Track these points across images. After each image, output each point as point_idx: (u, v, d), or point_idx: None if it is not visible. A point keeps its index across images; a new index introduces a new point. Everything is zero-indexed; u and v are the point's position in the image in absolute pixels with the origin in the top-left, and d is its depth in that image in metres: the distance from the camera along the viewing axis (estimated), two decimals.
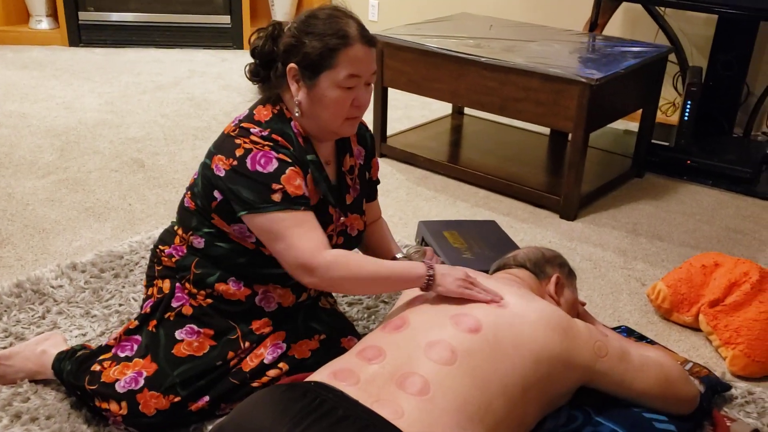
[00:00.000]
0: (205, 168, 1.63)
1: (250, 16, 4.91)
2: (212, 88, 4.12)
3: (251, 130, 1.60)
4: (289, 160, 1.57)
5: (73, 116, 3.64)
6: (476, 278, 1.53)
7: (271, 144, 1.57)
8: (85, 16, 4.83)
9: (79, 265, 2.24)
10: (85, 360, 1.68)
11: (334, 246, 1.70)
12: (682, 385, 1.58)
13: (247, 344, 1.69)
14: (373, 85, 1.65)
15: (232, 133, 1.61)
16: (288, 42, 1.59)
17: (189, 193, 1.71)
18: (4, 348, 1.87)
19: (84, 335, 1.95)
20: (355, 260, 1.53)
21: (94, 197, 2.80)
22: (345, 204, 1.73)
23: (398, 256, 1.85)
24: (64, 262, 2.25)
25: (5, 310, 2.02)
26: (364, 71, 1.58)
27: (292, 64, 1.58)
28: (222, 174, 1.58)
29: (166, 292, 1.71)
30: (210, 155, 1.63)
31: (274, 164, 1.55)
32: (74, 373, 1.66)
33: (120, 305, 2.08)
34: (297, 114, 1.63)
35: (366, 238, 1.90)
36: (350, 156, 1.76)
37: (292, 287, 1.71)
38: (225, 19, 4.92)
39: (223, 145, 1.61)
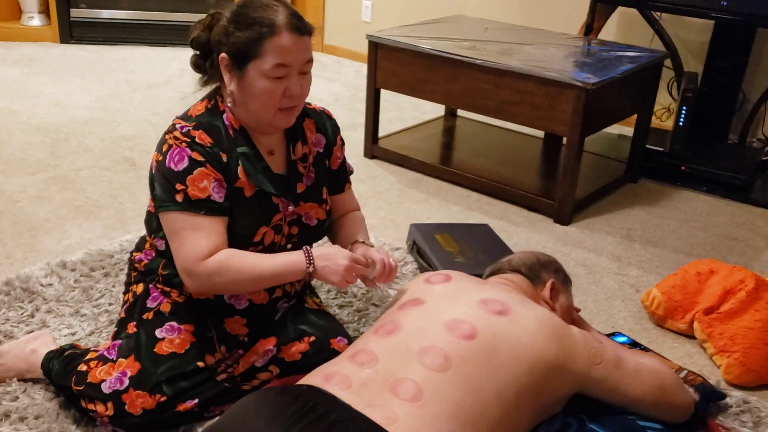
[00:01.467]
0: (150, 167, 1.65)
1: None
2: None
3: (176, 125, 1.61)
4: (201, 159, 1.56)
5: (63, 113, 3.61)
6: (360, 259, 1.59)
7: (188, 141, 1.57)
8: (76, 13, 4.79)
9: (69, 264, 2.21)
10: (72, 360, 1.66)
11: (288, 236, 1.70)
12: (677, 392, 1.57)
13: (223, 348, 1.67)
14: (310, 74, 1.60)
15: (167, 129, 1.63)
16: (218, 32, 1.57)
17: (151, 194, 1.70)
18: None
19: (73, 334, 1.92)
20: (236, 264, 1.53)
21: (84, 195, 2.77)
22: (295, 192, 1.70)
23: (359, 239, 1.78)
24: (53, 261, 2.22)
25: None
26: (293, 61, 1.53)
27: (223, 54, 1.57)
28: (153, 170, 1.61)
29: (140, 294, 1.71)
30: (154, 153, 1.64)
31: (185, 163, 1.55)
32: (61, 373, 1.64)
33: (110, 304, 2.05)
34: (230, 105, 1.62)
35: (335, 229, 1.87)
36: (303, 144, 1.73)
37: None
38: None
39: (159, 141, 1.63)
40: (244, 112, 1.61)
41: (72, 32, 4.84)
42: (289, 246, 1.72)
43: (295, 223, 1.71)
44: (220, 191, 1.57)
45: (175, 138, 1.58)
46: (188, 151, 1.56)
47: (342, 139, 1.83)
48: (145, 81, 4.17)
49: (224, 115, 1.63)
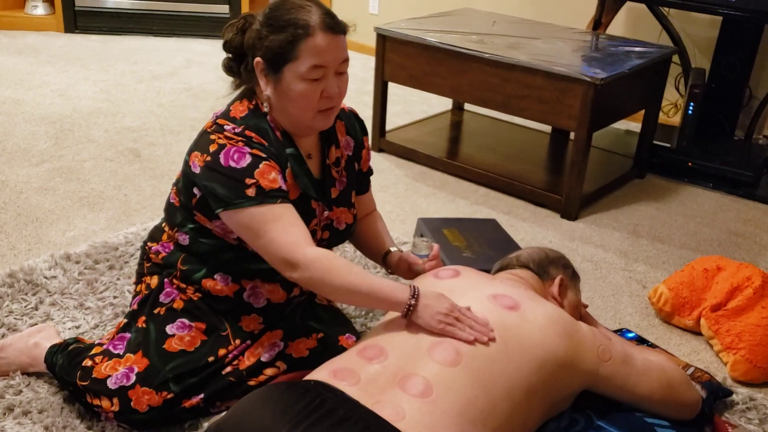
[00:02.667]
0: (185, 164, 1.61)
1: (249, 6, 4.86)
2: (210, 79, 4.07)
3: (225, 126, 1.57)
4: (263, 155, 1.53)
5: (67, 104, 3.59)
6: (465, 311, 1.42)
7: (244, 140, 1.54)
8: (81, 2, 4.77)
9: (73, 256, 2.20)
10: (76, 355, 1.65)
11: (319, 240, 1.68)
12: (685, 389, 1.56)
13: (237, 341, 1.66)
14: (347, 73, 1.58)
15: (208, 129, 1.59)
16: (252, 36, 1.55)
17: (174, 188, 1.68)
18: None
19: (77, 327, 1.92)
20: (337, 265, 1.46)
21: (88, 187, 2.76)
22: (330, 197, 1.69)
23: (392, 249, 1.80)
24: (57, 253, 2.22)
25: None
26: (330, 61, 1.51)
27: (258, 59, 1.54)
28: (197, 171, 1.54)
29: (154, 287, 1.69)
30: (189, 152, 1.60)
31: (247, 159, 1.51)
32: (66, 368, 1.63)
33: (114, 297, 2.04)
34: (266, 109, 1.59)
35: (359, 231, 1.86)
36: (336, 148, 1.71)
37: (281, 283, 1.67)
38: (223, 9, 4.87)
39: (200, 141, 1.58)
40: (283, 116, 1.59)
41: (76, 22, 4.82)
42: None
43: (327, 227, 1.70)
44: (284, 183, 1.55)
45: (227, 138, 1.54)
46: (247, 148, 1.52)
47: (368, 140, 1.81)
48: (149, 72, 4.16)
49: (268, 117, 1.60)
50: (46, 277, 2.10)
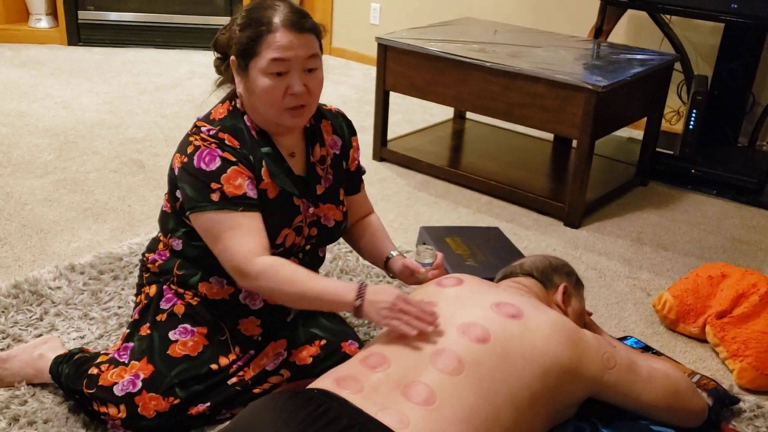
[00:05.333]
0: (170, 168, 1.64)
1: None
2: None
3: (202, 128, 1.60)
4: (233, 159, 1.55)
5: (71, 116, 3.61)
6: (412, 300, 1.43)
7: (217, 142, 1.56)
8: (84, 15, 4.80)
9: (78, 267, 2.20)
10: (82, 363, 1.65)
11: (307, 237, 1.69)
12: (691, 397, 1.56)
13: (237, 349, 1.66)
14: (319, 72, 1.58)
15: (189, 132, 1.62)
16: (228, 34, 1.58)
17: (166, 195, 1.70)
18: (2, 349, 1.84)
19: (82, 338, 1.92)
20: (285, 274, 1.49)
21: (92, 198, 2.76)
22: (315, 194, 1.70)
23: (393, 254, 1.80)
24: (62, 263, 2.22)
25: (3, 311, 1.98)
26: (290, 56, 1.52)
27: (232, 57, 1.58)
28: (177, 172, 1.59)
29: (153, 296, 1.70)
30: (174, 155, 1.63)
31: (217, 162, 1.54)
32: (72, 377, 1.63)
33: (119, 308, 2.04)
34: (239, 107, 1.62)
35: (357, 235, 1.87)
36: (321, 146, 1.73)
37: None
38: (225, 21, 4.83)
39: (181, 143, 1.62)
40: (255, 114, 1.61)
41: (80, 34, 4.85)
42: (307, 247, 1.71)
43: (315, 224, 1.70)
44: (253, 189, 1.57)
45: (203, 140, 1.57)
46: (219, 151, 1.55)
47: (357, 141, 1.82)
48: (152, 83, 4.17)
49: (245, 117, 1.62)
50: (50, 288, 2.10)
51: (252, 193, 1.56)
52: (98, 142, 3.30)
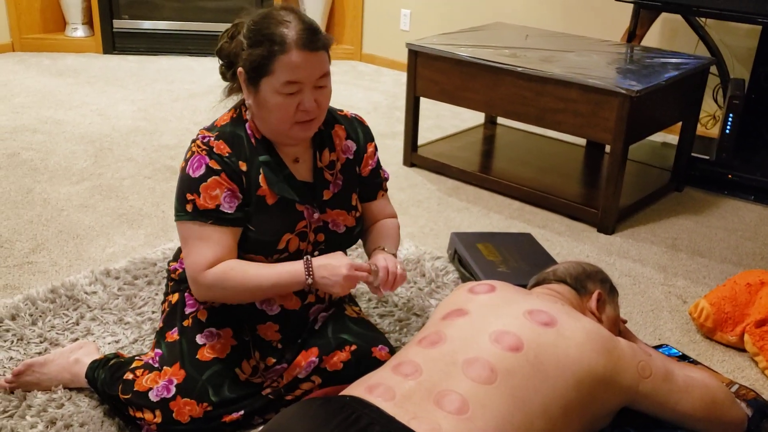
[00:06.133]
0: None
1: None
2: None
3: (200, 135, 1.63)
4: (217, 168, 1.57)
5: (106, 123, 3.67)
6: (361, 266, 1.57)
7: (207, 149, 1.59)
8: (119, 24, 4.89)
9: (113, 272, 2.23)
10: (118, 368, 1.67)
11: (314, 243, 1.69)
12: (729, 407, 1.52)
13: (257, 354, 1.68)
14: (328, 86, 1.59)
15: (193, 138, 1.65)
16: (236, 45, 1.58)
17: None
18: (39, 353, 1.87)
19: (117, 342, 1.94)
20: (234, 277, 1.54)
21: (127, 204, 2.80)
22: (321, 200, 1.70)
23: (381, 247, 1.74)
24: (97, 269, 2.25)
25: (40, 316, 2.02)
26: (305, 77, 1.52)
27: (240, 69, 1.57)
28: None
29: (175, 302, 1.73)
30: None
31: (202, 170, 1.57)
32: (108, 382, 1.65)
33: (153, 312, 2.07)
34: (248, 117, 1.64)
35: (366, 237, 1.85)
36: (331, 151, 1.72)
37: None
38: None
39: (187, 149, 1.65)
40: (263, 125, 1.62)
41: (115, 43, 4.94)
42: (316, 252, 1.71)
43: (321, 230, 1.70)
44: (231, 201, 1.58)
45: (197, 146, 1.60)
46: (207, 159, 1.58)
47: (375, 146, 1.81)
48: (186, 91, 4.23)
49: (247, 124, 1.64)
50: (86, 293, 2.13)
51: (228, 207, 1.58)
52: (133, 149, 3.35)
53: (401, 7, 4.76)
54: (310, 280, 1.55)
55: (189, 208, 1.57)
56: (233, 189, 1.58)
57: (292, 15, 1.54)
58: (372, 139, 1.81)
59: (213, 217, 1.56)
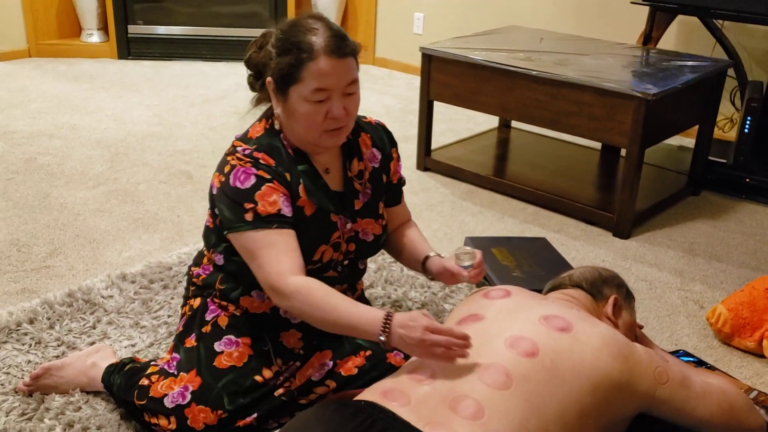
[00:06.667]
0: (210, 186, 1.66)
1: None
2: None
3: (238, 148, 1.61)
4: (268, 176, 1.56)
5: (122, 128, 3.69)
6: (440, 329, 1.39)
7: (252, 161, 1.57)
8: (134, 29, 4.92)
9: (129, 276, 2.25)
10: (133, 374, 1.68)
11: (345, 253, 1.69)
12: (748, 413, 1.51)
13: (279, 361, 1.67)
14: (357, 93, 1.58)
15: (227, 151, 1.63)
16: (265, 55, 1.58)
17: (209, 211, 1.71)
18: (57, 357, 1.88)
19: (133, 346, 1.95)
20: (317, 296, 1.48)
21: (143, 208, 2.82)
22: (352, 209, 1.70)
23: (430, 254, 1.78)
24: (114, 273, 2.27)
25: (58, 319, 2.03)
26: (333, 84, 1.52)
27: (269, 78, 1.57)
28: (215, 192, 1.61)
29: (197, 307, 1.72)
30: (213, 174, 1.64)
31: (252, 180, 1.55)
32: (123, 387, 1.66)
33: (169, 316, 2.08)
34: (277, 128, 1.62)
35: (394, 241, 1.86)
36: (359, 160, 1.72)
37: None
38: None
39: (220, 163, 1.63)
40: (292, 135, 1.62)
41: (129, 48, 4.97)
42: (345, 262, 1.71)
43: (353, 239, 1.71)
44: (288, 206, 1.58)
45: (239, 159, 1.58)
46: (254, 170, 1.56)
47: (398, 152, 1.82)
48: (200, 96, 4.25)
49: (281, 135, 1.63)
50: (103, 297, 2.14)
51: (287, 211, 1.57)
52: (148, 154, 3.37)
53: (414, 10, 4.76)
54: (383, 338, 1.42)
55: (249, 217, 1.53)
56: (287, 194, 1.58)
57: (320, 22, 1.54)
58: (395, 144, 1.82)
59: (276, 221, 1.54)
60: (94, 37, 5.04)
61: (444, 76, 3.06)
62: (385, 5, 4.92)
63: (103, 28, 5.05)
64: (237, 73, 4.72)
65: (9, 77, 4.52)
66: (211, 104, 4.10)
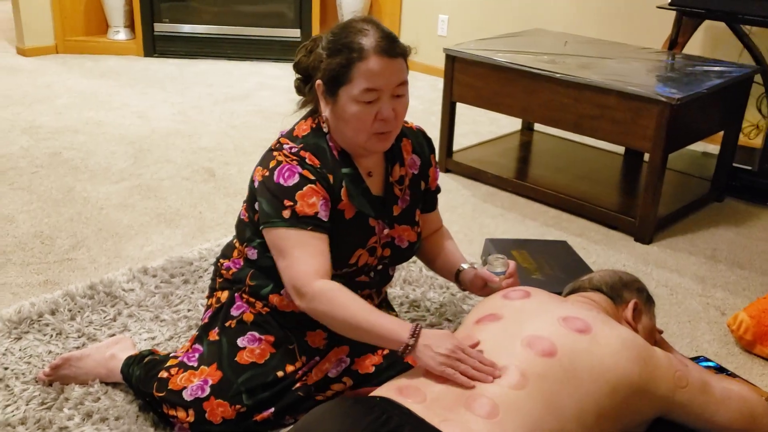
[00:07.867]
0: (251, 180, 1.66)
1: (319, 30, 4.96)
2: (281, 101, 4.17)
3: (285, 145, 1.61)
4: (312, 177, 1.56)
5: (146, 125, 3.73)
6: (471, 351, 1.37)
7: (298, 160, 1.57)
8: (160, 27, 4.98)
9: (150, 270, 2.27)
10: (152, 366, 1.69)
11: (380, 258, 1.69)
12: None
13: (303, 358, 1.68)
14: (406, 96, 1.58)
15: (272, 147, 1.64)
16: (315, 58, 1.58)
17: (245, 204, 1.72)
18: (77, 347, 1.91)
19: (153, 339, 1.97)
20: (341, 300, 1.47)
21: (165, 204, 2.84)
22: (391, 215, 1.70)
23: (464, 266, 1.79)
24: (135, 266, 2.29)
25: (79, 311, 2.06)
26: (383, 84, 1.52)
27: (318, 81, 1.57)
28: (257, 185, 1.61)
29: (224, 301, 1.73)
30: (255, 168, 1.65)
31: (295, 179, 1.55)
32: (142, 379, 1.67)
33: (188, 311, 2.09)
34: (325, 130, 1.62)
35: (428, 249, 1.87)
36: (401, 166, 1.72)
37: None
38: (295, 33, 4.99)
39: (264, 157, 1.63)
40: (340, 137, 1.61)
41: (155, 46, 5.02)
42: (379, 267, 1.72)
43: (388, 245, 1.71)
44: (326, 210, 1.58)
45: (285, 156, 1.59)
46: (299, 168, 1.57)
47: (435, 159, 1.82)
48: (224, 94, 4.28)
49: (327, 136, 1.63)
50: (124, 290, 2.17)
51: (324, 215, 1.57)
52: (171, 151, 3.40)
53: (439, 12, 4.76)
54: (411, 341, 1.41)
55: (286, 214, 1.54)
56: (327, 198, 1.58)
57: (371, 24, 1.55)
58: (434, 150, 1.82)
59: (312, 223, 1.54)
60: (121, 35, 5.10)
61: (467, 78, 3.06)
62: (409, 7, 4.93)
63: (130, 25, 5.10)
64: (260, 72, 4.75)
65: (36, 73, 4.59)
66: (234, 103, 4.13)
